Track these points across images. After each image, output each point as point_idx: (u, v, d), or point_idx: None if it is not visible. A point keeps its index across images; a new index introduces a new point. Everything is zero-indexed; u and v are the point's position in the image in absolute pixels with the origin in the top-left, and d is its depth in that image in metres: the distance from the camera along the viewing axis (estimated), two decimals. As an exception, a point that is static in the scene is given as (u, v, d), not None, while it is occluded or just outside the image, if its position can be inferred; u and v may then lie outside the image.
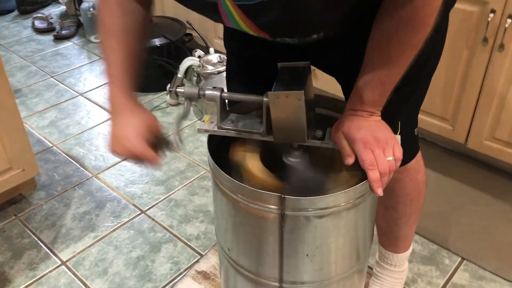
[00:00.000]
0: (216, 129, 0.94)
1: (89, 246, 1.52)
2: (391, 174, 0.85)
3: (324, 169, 0.94)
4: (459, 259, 1.45)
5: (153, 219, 1.62)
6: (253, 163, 0.94)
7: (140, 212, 1.65)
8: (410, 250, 1.24)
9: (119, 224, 1.60)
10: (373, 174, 0.82)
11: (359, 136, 0.83)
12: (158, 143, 0.91)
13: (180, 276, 1.41)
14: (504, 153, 1.60)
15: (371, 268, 1.30)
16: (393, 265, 1.24)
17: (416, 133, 1.06)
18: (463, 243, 1.49)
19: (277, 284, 0.96)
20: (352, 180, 0.88)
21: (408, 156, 1.07)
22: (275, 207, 0.84)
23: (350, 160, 0.85)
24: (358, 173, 0.85)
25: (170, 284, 1.39)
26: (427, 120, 1.71)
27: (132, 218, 1.63)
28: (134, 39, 0.87)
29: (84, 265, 1.46)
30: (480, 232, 1.53)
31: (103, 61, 0.86)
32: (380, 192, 0.83)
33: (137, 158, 0.86)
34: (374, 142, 0.82)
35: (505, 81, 1.50)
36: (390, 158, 0.83)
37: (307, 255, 0.90)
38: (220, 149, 0.97)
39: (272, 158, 0.97)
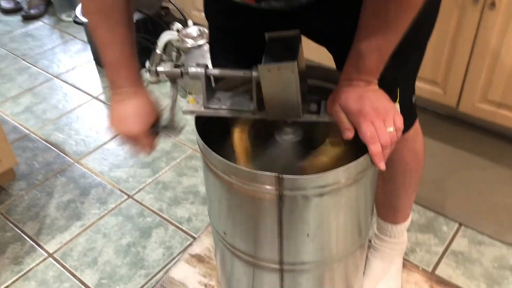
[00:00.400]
0: (202, 109, 0.87)
1: (76, 236, 1.46)
2: (393, 145, 0.80)
3: (321, 144, 0.88)
4: (457, 225, 1.42)
5: (141, 204, 1.56)
6: (241, 145, 0.88)
7: (127, 197, 1.59)
8: (409, 221, 1.21)
9: (106, 211, 1.54)
10: (374, 148, 0.77)
11: (358, 107, 0.78)
12: (157, 128, 0.88)
13: (174, 261, 1.37)
14: (497, 115, 1.56)
15: (370, 241, 1.26)
16: (392, 236, 1.21)
17: (413, 100, 1.01)
18: (459, 208, 1.46)
19: (277, 266, 0.92)
20: (351, 154, 0.83)
21: (406, 125, 1.02)
22: (272, 187, 0.79)
23: (349, 134, 0.80)
24: (357, 146, 0.80)
25: (163, 270, 1.34)
26: (416, 85, 1.65)
27: (119, 204, 1.56)
28: (125, 16, 0.81)
29: (72, 256, 1.40)
30: (476, 196, 1.50)
31: (99, 40, 0.81)
32: (382, 166, 0.78)
33: (132, 140, 0.85)
34: (373, 113, 0.77)
35: (497, 40, 1.45)
36: (391, 129, 0.78)
37: (307, 235, 0.86)
38: (209, 127, 0.91)
39: (265, 135, 0.92)
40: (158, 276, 1.33)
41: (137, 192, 1.60)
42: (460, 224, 1.42)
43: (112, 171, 1.69)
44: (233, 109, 0.86)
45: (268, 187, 0.79)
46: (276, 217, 0.83)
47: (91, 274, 1.34)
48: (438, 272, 1.30)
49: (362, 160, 0.79)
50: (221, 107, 0.87)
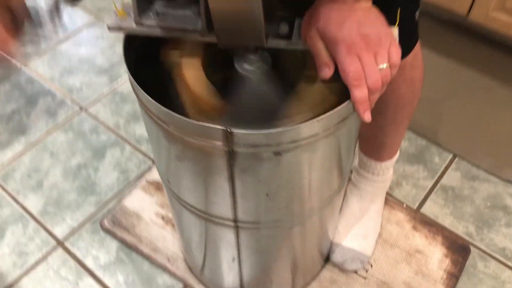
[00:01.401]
0: (134, 26, 0.65)
1: (20, 154, 1.29)
2: (384, 87, 0.60)
3: (293, 78, 0.68)
4: (451, 156, 1.26)
5: (95, 118, 1.37)
6: (191, 73, 0.67)
7: (79, 109, 1.39)
8: (396, 157, 1.04)
9: (54, 125, 1.35)
10: (359, 93, 0.57)
11: (341, 35, 0.56)
12: (18, 18, 0.64)
13: (129, 187, 1.21)
14: (513, 27, 1.32)
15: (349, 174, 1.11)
16: (375, 174, 1.04)
17: (416, 17, 0.79)
18: (455, 137, 1.29)
19: (231, 223, 0.76)
20: (332, 92, 0.64)
21: (404, 50, 0.80)
22: (220, 143, 0.60)
23: (326, 72, 0.59)
24: (340, 82, 0.59)
25: (116, 197, 1.19)
26: (423, -14, 1.39)
27: (70, 117, 1.37)
28: None
29: (15, 178, 1.24)
30: (476, 123, 1.32)
31: None
32: (367, 117, 0.59)
33: None
34: (362, 43, 0.57)
35: None
36: (384, 65, 0.58)
37: (266, 194, 0.68)
38: (145, 49, 0.70)
39: (221, 64, 0.70)
40: (110, 205, 1.18)
41: (91, 104, 1.40)
42: (455, 156, 1.26)
43: (63, 76, 1.47)
44: (175, 27, 0.64)
45: (214, 142, 0.59)
46: (226, 175, 0.65)
47: (35, 200, 1.20)
48: (424, 210, 1.16)
49: (340, 109, 0.59)
50: (159, 24, 0.64)
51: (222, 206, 0.72)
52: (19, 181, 1.23)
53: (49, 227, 1.15)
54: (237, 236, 0.79)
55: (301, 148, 0.61)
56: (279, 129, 0.57)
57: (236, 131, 0.57)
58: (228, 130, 0.57)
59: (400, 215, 1.14)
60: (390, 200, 1.16)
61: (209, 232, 0.82)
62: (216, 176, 0.66)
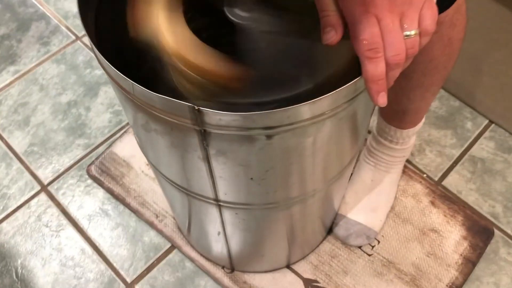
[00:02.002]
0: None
1: (8, 85, 1.18)
2: (409, 61, 0.46)
3: (298, 32, 0.53)
4: (486, 122, 1.10)
5: (91, 50, 1.24)
6: (179, 32, 0.52)
7: (74, 38, 1.26)
8: (421, 124, 0.89)
9: (47, 55, 1.23)
10: (373, 68, 0.43)
11: None
12: None
13: (121, 131, 1.11)
14: None
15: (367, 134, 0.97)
16: (394, 142, 0.90)
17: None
18: (494, 100, 1.11)
19: (213, 202, 0.65)
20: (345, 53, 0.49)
21: (443, 2, 0.64)
22: (188, 121, 0.47)
23: (332, 36, 0.45)
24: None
25: (107, 142, 1.09)
26: None
27: (65, 47, 1.24)
28: None
29: (1, 111, 1.14)
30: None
31: None
32: (382, 101, 0.45)
33: None
34: (384, 1, 0.41)
35: None
36: (412, 32, 0.44)
37: (251, 178, 0.56)
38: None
39: (204, 14, 0.56)
40: (100, 149, 1.08)
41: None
42: (491, 122, 1.10)
43: (59, 0, 1.33)
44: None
45: (183, 119, 0.47)
46: (201, 155, 0.53)
47: (20, 138, 1.10)
48: (446, 183, 1.02)
49: (348, 87, 0.45)
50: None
51: (202, 185, 0.60)
52: (5, 115, 1.14)
53: (33, 169, 1.06)
54: (221, 215, 0.68)
55: (297, 130, 0.48)
56: (261, 112, 0.44)
57: (205, 109, 0.43)
58: (196, 107, 0.44)
59: (418, 187, 1.01)
60: (408, 168, 1.02)
61: (192, 205, 0.71)
62: (189, 155, 0.54)
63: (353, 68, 0.45)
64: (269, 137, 0.48)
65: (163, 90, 0.47)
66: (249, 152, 0.51)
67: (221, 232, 0.75)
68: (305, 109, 0.45)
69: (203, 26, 0.55)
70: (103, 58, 0.46)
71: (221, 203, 0.64)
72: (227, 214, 0.67)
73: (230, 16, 0.53)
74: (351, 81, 0.45)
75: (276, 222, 0.71)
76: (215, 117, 0.44)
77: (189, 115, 0.45)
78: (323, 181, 0.64)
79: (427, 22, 0.44)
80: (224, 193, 0.60)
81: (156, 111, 0.47)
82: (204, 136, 0.48)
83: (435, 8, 0.44)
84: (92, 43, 0.48)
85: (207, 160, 0.53)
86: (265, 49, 0.52)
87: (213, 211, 0.68)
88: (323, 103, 0.45)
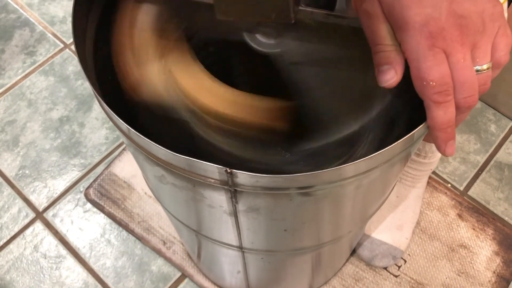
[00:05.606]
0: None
1: (-8, 102, 1.09)
2: (479, 96, 0.39)
3: (337, 63, 0.45)
4: (510, 124, 1.03)
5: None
6: (199, 82, 0.43)
7: (63, 46, 1.16)
8: (450, 136, 0.82)
9: (33, 66, 1.13)
10: (442, 114, 0.36)
11: (420, 14, 0.34)
12: None
13: (120, 148, 1.02)
14: None
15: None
16: (422, 155, 0.83)
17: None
18: (518, 99, 1.05)
19: (236, 249, 0.57)
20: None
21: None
22: (218, 182, 0.39)
23: (392, 78, 0.37)
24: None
25: (105, 161, 1.01)
26: None
27: (52, 56, 1.15)
28: None
29: (-13, 131, 1.05)
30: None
31: None
32: (450, 151, 0.38)
33: None
34: (453, 30, 0.35)
35: None
36: (485, 66, 0.36)
37: (285, 230, 0.49)
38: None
39: (219, 46, 0.48)
40: (97, 170, 1.00)
41: (76, 40, 1.17)
42: (516, 124, 1.03)
43: (43, 4, 1.22)
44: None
45: (211, 179, 0.39)
46: (227, 210, 0.45)
47: (10, 160, 1.01)
48: (473, 192, 0.96)
49: (408, 137, 0.38)
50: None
51: (225, 234, 0.53)
52: (-9, 136, 1.05)
53: (26, 194, 0.98)
54: (243, 259, 0.60)
55: (339, 187, 0.40)
56: (302, 174, 0.36)
57: (237, 171, 0.36)
58: (227, 170, 0.36)
59: (443, 199, 0.94)
60: (432, 178, 0.96)
61: (210, 249, 0.64)
62: (214, 210, 0.46)
63: (404, 103, 0.38)
64: (311, 194, 0.40)
65: (175, 134, 0.39)
66: (285, 208, 0.43)
67: (241, 271, 0.68)
68: (361, 165, 0.37)
69: (220, 59, 0.47)
70: (121, 121, 0.37)
71: (246, 250, 0.56)
72: (251, 258, 0.60)
73: (252, 45, 0.45)
74: (407, 125, 0.38)
75: (303, 263, 0.64)
76: (251, 179, 0.37)
77: (218, 176, 0.37)
78: (361, 220, 0.57)
79: (501, 53, 0.37)
80: (251, 242, 0.53)
81: (176, 170, 0.40)
82: (235, 195, 0.40)
83: (510, 35, 0.37)
84: (99, 98, 0.39)
85: (235, 215, 0.45)
86: (300, 83, 0.44)
87: (235, 255, 0.60)
88: (381, 157, 0.38)
